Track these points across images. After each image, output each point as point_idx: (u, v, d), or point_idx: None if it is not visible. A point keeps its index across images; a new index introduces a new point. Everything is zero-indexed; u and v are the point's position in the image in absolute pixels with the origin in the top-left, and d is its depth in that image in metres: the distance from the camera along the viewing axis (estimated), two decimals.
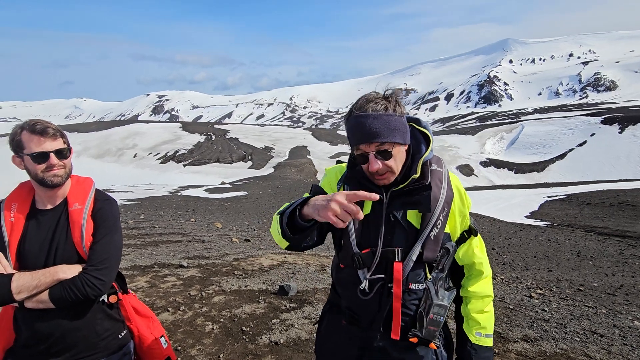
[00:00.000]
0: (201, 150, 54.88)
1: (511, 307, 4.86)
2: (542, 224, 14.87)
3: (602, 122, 53.56)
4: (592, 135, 51.54)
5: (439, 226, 1.34)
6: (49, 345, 1.48)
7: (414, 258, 1.33)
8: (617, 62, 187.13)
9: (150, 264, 5.84)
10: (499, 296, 5.45)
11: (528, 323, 4.21)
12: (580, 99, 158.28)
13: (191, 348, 3.23)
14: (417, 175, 1.34)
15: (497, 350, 3.41)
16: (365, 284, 1.36)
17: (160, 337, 1.76)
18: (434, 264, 1.37)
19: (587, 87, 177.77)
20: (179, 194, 24.82)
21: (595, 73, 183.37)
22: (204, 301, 4.27)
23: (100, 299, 1.57)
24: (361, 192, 1.09)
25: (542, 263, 8.87)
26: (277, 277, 5.34)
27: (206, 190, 26.92)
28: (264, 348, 3.26)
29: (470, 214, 1.45)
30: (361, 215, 1.10)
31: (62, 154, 1.50)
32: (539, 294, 6.08)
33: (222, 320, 3.78)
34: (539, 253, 9.84)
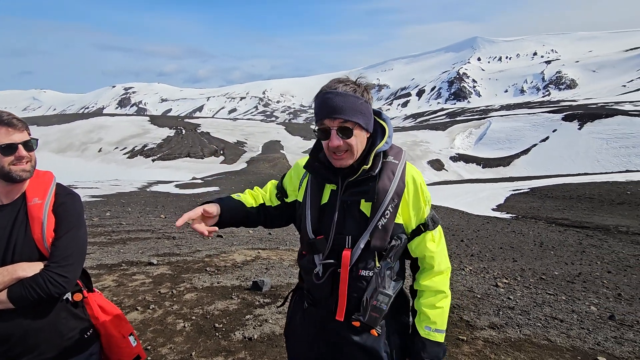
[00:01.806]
0: (171, 145, 53.42)
1: (479, 296, 5.04)
2: (507, 216, 15.50)
3: (563, 119, 56.22)
4: (554, 131, 54.03)
5: (387, 216, 1.36)
6: (9, 347, 1.40)
7: (362, 246, 1.37)
8: (577, 61, 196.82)
9: (117, 262, 5.64)
10: (467, 286, 5.64)
11: (494, 311, 4.39)
12: (543, 97, 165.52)
13: (162, 347, 3.16)
14: (368, 166, 1.38)
15: (465, 338, 3.54)
16: (319, 269, 1.43)
17: (129, 335, 1.71)
18: (384, 253, 1.40)
19: (549, 85, 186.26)
20: (148, 189, 24.10)
21: (557, 72, 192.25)
22: (174, 299, 4.17)
23: (64, 298, 1.50)
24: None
25: (508, 254, 9.25)
26: (250, 272, 5.30)
27: (176, 186, 26.27)
28: (237, 344, 3.23)
29: (434, 208, 1.49)
30: (203, 231, 1.39)
31: (29, 145, 1.45)
32: (505, 283, 6.35)
33: (194, 317, 3.72)
34: (505, 244, 10.25)
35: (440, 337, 1.45)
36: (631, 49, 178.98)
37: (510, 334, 3.70)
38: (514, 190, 21.71)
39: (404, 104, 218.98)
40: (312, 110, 1.48)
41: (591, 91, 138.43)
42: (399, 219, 1.40)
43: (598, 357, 3.28)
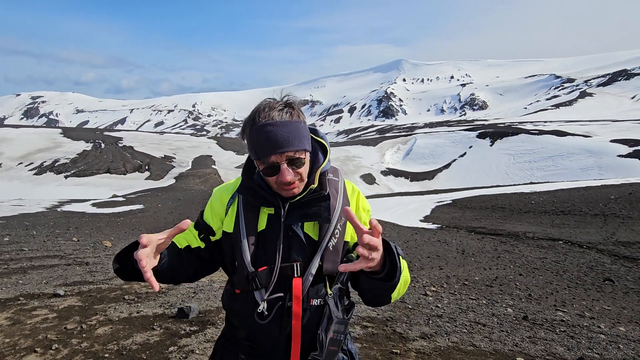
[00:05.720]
0: (87, 160, 48.79)
1: (410, 306, 5.18)
2: (433, 226, 16.46)
3: (477, 137, 62.06)
4: (470, 147, 59.32)
5: (337, 236, 1.29)
6: None
7: (314, 272, 1.26)
8: (487, 85, 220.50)
9: (13, 296, 4.85)
10: (399, 298, 5.78)
11: (425, 321, 4.52)
12: (460, 116, 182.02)
13: None
14: (315, 185, 1.31)
15: (398, 351, 3.56)
16: (263, 306, 1.25)
17: None
18: (335, 277, 1.30)
19: (465, 106, 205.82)
20: (59, 209, 21.57)
21: (471, 94, 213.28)
22: (84, 335, 3.66)
23: None
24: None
25: (435, 262, 9.76)
26: (176, 298, 4.88)
27: (93, 205, 23.90)
28: None
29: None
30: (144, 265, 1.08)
31: None
32: (433, 291, 6.64)
33: (107, 355, 3.28)
34: (432, 253, 10.82)
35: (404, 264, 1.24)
36: (530, 76, 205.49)
37: (440, 343, 3.81)
38: (438, 202, 23.22)
39: (337, 120, 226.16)
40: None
41: (499, 112, 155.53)
42: (346, 237, 1.33)
43: (517, 358, 3.50)
